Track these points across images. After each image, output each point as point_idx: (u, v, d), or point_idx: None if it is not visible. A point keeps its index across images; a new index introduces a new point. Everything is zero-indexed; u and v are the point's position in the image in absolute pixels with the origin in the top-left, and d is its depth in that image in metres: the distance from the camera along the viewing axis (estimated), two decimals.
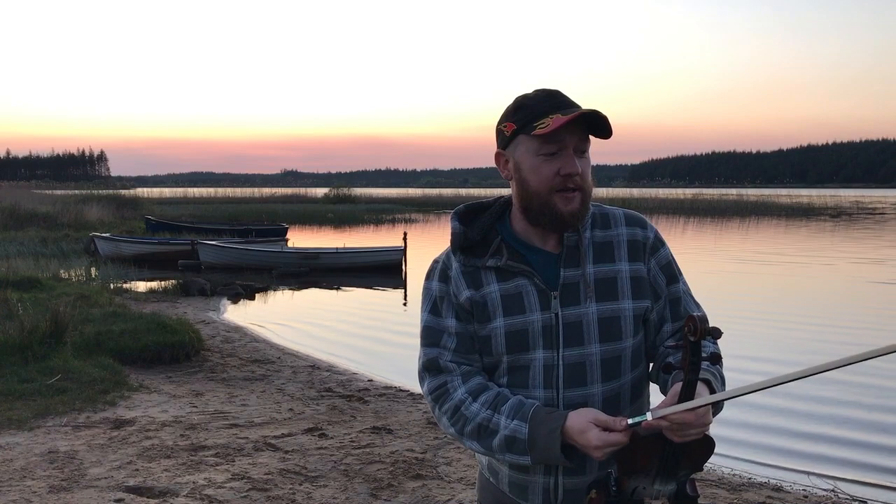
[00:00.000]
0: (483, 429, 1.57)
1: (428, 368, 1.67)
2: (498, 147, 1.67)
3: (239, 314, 12.30)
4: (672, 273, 1.70)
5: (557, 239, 1.65)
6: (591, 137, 1.61)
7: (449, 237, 1.70)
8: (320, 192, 58.67)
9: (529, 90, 1.63)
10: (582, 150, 1.58)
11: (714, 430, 1.50)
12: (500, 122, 1.65)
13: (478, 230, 1.67)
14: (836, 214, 43.30)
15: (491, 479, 1.74)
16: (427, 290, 1.71)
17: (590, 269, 1.62)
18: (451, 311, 1.66)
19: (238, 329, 10.61)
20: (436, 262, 1.73)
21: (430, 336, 1.67)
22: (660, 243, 1.70)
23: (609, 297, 1.61)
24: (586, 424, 1.47)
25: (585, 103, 1.59)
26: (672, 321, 1.68)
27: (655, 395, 1.74)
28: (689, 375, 1.40)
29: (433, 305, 1.68)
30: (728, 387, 1.56)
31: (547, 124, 1.53)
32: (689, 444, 1.45)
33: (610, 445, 1.45)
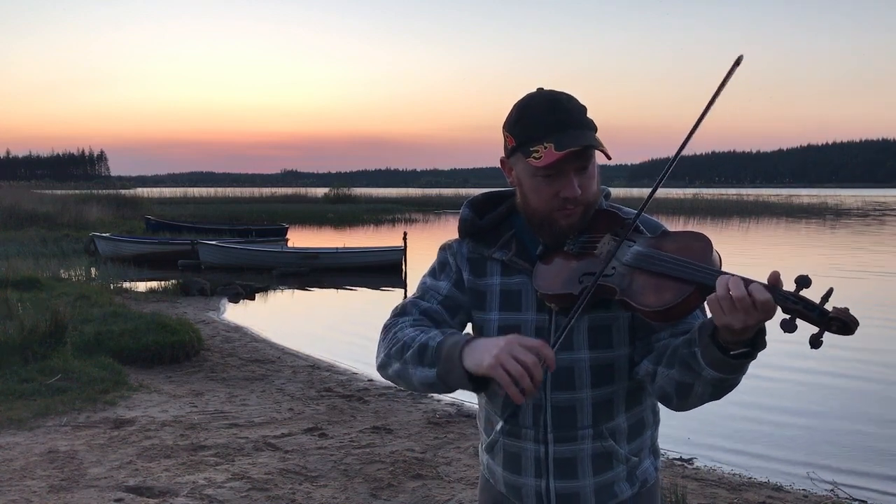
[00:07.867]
0: (406, 346, 1.51)
1: (395, 310, 1.64)
2: (504, 153, 1.61)
3: (239, 314, 12.30)
4: None
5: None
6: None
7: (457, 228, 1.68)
8: (320, 192, 58.64)
9: (537, 89, 1.56)
10: (584, 167, 1.52)
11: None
12: (503, 128, 1.59)
13: (488, 220, 1.66)
14: (838, 215, 43.24)
15: (490, 480, 1.73)
16: (435, 261, 1.71)
17: None
18: (448, 277, 1.66)
19: (238, 329, 10.60)
20: (450, 242, 1.71)
21: (417, 291, 1.68)
22: None
23: (602, 306, 1.55)
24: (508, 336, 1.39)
25: (586, 104, 1.54)
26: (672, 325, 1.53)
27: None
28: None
29: (432, 270, 1.69)
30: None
31: (540, 155, 1.47)
32: None
33: (531, 351, 1.34)
